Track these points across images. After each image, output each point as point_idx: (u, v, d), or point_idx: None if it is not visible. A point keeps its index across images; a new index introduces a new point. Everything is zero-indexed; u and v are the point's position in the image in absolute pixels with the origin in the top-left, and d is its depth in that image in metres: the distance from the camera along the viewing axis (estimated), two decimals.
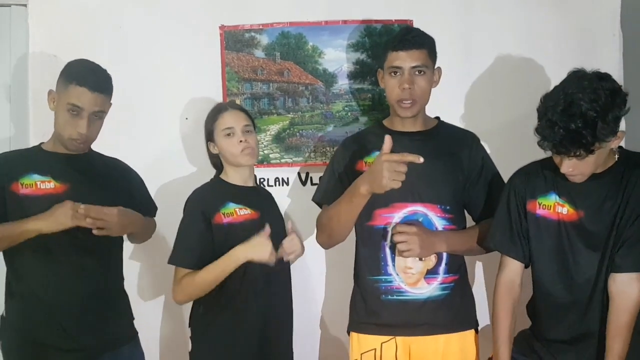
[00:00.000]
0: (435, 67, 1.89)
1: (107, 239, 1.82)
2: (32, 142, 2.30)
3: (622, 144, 2.21)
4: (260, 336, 1.82)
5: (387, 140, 1.67)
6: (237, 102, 2.33)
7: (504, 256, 1.76)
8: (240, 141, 1.85)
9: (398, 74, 1.82)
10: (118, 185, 1.94)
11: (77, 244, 1.79)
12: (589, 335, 1.64)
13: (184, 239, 1.82)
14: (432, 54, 1.86)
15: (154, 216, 2.10)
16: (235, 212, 1.83)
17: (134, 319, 1.96)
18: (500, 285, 1.74)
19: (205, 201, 1.85)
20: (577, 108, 1.45)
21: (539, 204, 1.70)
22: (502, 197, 1.77)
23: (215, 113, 1.93)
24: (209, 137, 1.94)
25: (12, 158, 1.84)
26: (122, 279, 1.96)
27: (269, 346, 1.84)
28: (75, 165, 1.84)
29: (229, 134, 1.87)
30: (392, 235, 1.79)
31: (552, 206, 1.68)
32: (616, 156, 1.63)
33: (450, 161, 1.87)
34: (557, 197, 1.67)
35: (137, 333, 1.95)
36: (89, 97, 1.78)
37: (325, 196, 1.94)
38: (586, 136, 1.45)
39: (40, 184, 1.77)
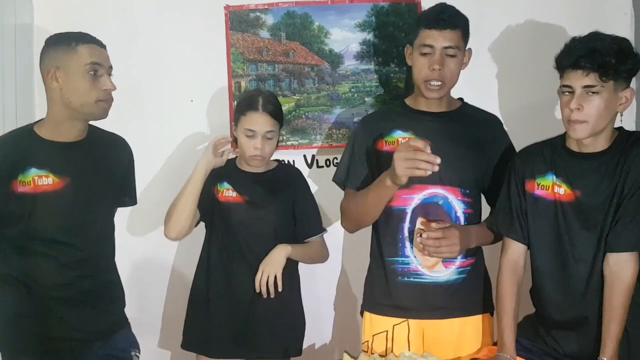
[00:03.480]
0: (467, 48, 1.83)
1: (96, 231, 1.78)
2: (38, 117, 2.31)
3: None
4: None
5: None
6: (242, 84, 2.31)
7: (505, 238, 1.76)
8: (256, 148, 1.90)
9: (429, 53, 1.76)
10: (116, 170, 1.86)
11: (64, 236, 1.70)
12: (590, 318, 1.62)
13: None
14: (466, 35, 1.80)
15: (131, 205, 1.99)
16: (222, 192, 1.98)
17: (125, 306, 1.91)
18: (504, 268, 1.74)
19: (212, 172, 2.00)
20: (602, 37, 1.56)
21: (538, 184, 1.69)
22: (505, 179, 1.77)
23: (246, 107, 1.93)
24: (235, 121, 1.97)
25: (10, 152, 1.69)
26: (114, 265, 1.89)
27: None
28: (75, 156, 1.72)
29: (249, 136, 1.91)
30: (422, 236, 1.74)
31: (550, 186, 1.66)
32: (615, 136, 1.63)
33: (473, 144, 1.83)
34: (555, 177, 1.66)
35: (128, 319, 1.90)
36: (101, 53, 1.71)
37: (348, 179, 1.92)
38: (610, 54, 1.51)
39: (37, 179, 1.65)
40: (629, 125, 2.18)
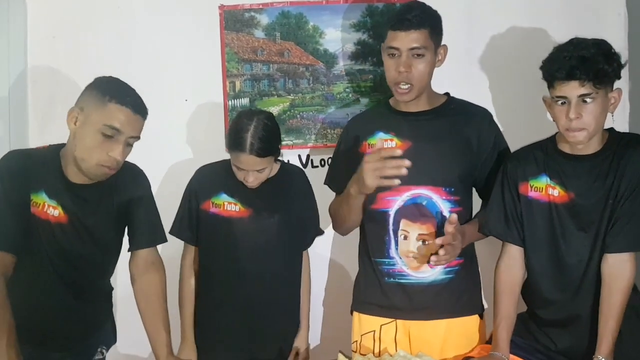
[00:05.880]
0: (441, 45, 1.79)
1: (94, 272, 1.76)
2: (31, 125, 2.29)
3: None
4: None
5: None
6: (237, 84, 2.31)
7: (503, 242, 1.76)
8: (247, 180, 1.81)
9: (396, 55, 1.74)
10: (122, 206, 1.74)
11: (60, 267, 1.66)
12: (583, 315, 1.64)
13: (179, 212, 1.94)
14: (435, 34, 1.76)
15: (161, 242, 1.83)
16: (223, 206, 1.87)
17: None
18: (499, 270, 1.75)
19: (201, 184, 1.92)
20: (586, 43, 1.56)
21: (531, 187, 1.69)
22: (496, 183, 1.76)
23: (233, 145, 1.78)
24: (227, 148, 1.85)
25: (31, 167, 1.63)
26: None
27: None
28: (84, 194, 1.66)
29: (239, 170, 1.82)
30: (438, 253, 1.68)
31: (544, 188, 1.67)
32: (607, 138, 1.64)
33: (457, 140, 1.80)
34: (549, 179, 1.67)
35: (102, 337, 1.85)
36: (130, 120, 1.57)
37: (331, 181, 1.94)
38: (600, 61, 1.52)
39: (47, 207, 1.61)
40: (622, 127, 2.20)
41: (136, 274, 1.80)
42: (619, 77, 1.59)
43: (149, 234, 1.79)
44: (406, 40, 1.72)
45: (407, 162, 1.55)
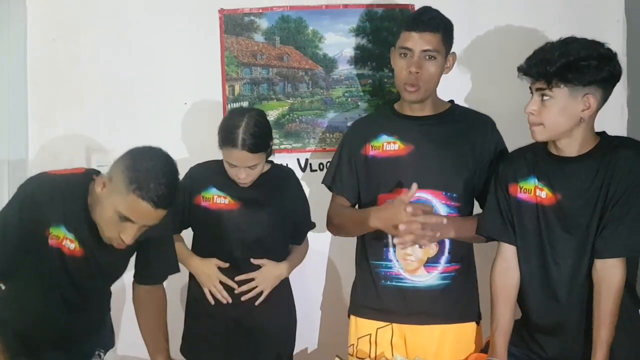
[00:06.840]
0: (450, 52, 1.81)
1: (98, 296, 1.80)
2: (31, 125, 2.29)
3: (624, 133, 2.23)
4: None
5: (413, 188, 1.66)
6: (236, 87, 2.32)
7: (499, 242, 1.75)
8: (239, 177, 1.83)
9: (408, 55, 1.76)
10: (142, 242, 1.68)
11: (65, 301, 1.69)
12: (572, 322, 1.62)
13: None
14: (447, 39, 1.78)
15: (167, 275, 1.83)
16: (213, 200, 1.89)
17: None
18: (494, 273, 1.74)
19: (192, 181, 1.93)
20: (563, 44, 1.55)
21: (520, 188, 1.68)
22: (491, 185, 1.77)
23: (225, 141, 1.80)
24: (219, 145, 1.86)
25: (57, 198, 1.60)
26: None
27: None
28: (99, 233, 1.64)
29: (231, 166, 1.83)
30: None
31: (532, 190, 1.66)
32: (598, 140, 1.62)
33: (460, 146, 1.81)
34: (537, 181, 1.66)
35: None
36: (148, 214, 1.50)
37: (333, 183, 1.94)
38: (553, 64, 1.51)
39: (64, 241, 1.61)
40: (621, 133, 2.20)
41: (139, 297, 1.82)
42: (592, 82, 1.53)
43: (163, 270, 1.81)
44: (420, 41, 1.74)
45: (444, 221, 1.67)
